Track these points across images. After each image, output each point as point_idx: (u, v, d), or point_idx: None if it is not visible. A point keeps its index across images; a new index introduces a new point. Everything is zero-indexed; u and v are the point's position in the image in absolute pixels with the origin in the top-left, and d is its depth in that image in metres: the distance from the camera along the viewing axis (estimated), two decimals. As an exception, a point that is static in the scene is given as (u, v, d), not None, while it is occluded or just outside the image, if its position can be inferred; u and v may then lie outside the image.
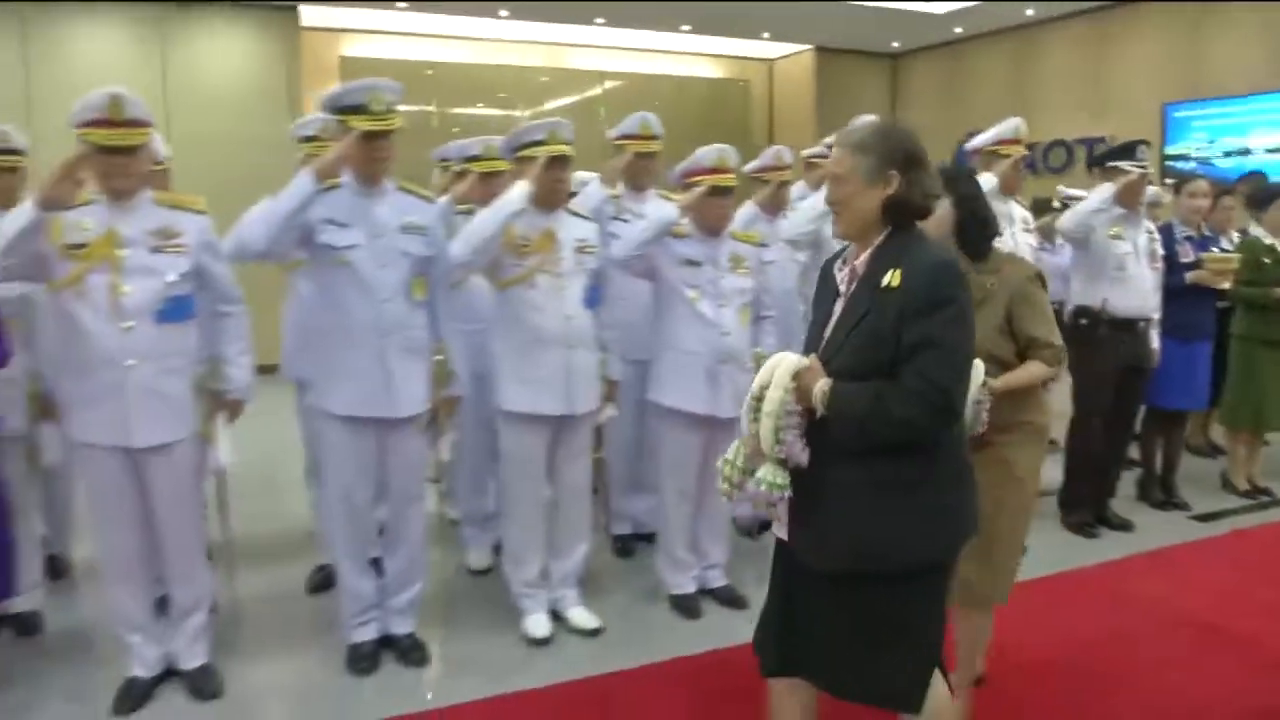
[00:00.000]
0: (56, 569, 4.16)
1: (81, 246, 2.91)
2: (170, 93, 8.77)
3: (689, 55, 11.32)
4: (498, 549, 4.31)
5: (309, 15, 9.33)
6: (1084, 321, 4.74)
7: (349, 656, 3.39)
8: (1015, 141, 4.46)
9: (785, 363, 2.08)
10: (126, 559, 3.11)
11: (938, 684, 2.19)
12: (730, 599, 3.85)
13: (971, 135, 4.68)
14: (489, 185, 3.98)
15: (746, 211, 4.59)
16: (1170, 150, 8.69)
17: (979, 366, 2.52)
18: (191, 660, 3.23)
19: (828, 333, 2.16)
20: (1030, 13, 9.42)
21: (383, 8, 9.33)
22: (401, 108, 3.22)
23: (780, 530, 2.21)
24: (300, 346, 3.79)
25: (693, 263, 3.69)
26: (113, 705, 3.09)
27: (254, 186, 3.39)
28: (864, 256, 2.12)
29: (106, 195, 2.95)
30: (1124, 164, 4.63)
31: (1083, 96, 9.43)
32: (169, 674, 3.23)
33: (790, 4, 9.01)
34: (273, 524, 4.77)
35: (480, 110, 10.62)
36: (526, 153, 3.46)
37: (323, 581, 4.06)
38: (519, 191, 3.34)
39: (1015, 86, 10.08)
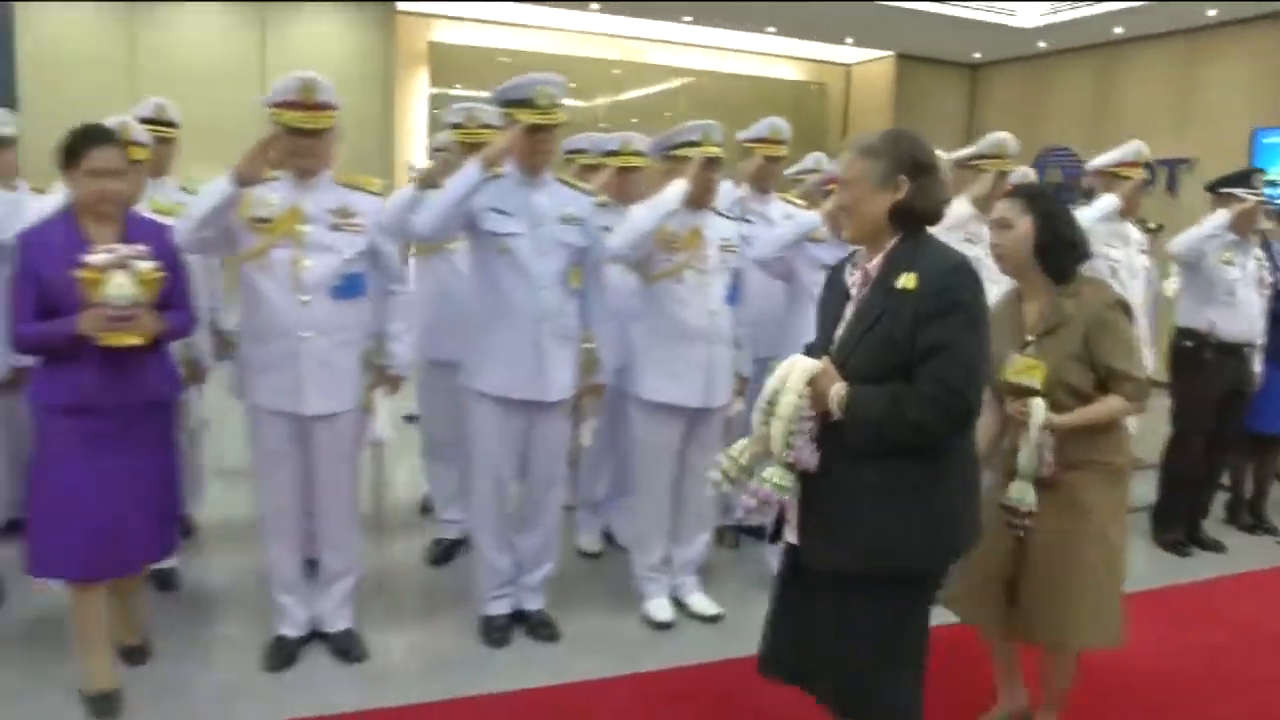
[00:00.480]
0: (184, 529, 4.31)
1: (267, 221, 3.04)
2: (269, 75, 8.95)
3: (766, 56, 11.40)
4: (608, 534, 4.43)
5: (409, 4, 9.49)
6: (1189, 344, 4.77)
7: (483, 628, 3.51)
8: (1136, 164, 4.50)
9: (800, 367, 2.09)
10: (286, 521, 3.24)
11: None
12: None
13: (1051, 150, 4.73)
14: (625, 180, 4.09)
15: None
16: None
17: (1039, 405, 2.52)
18: (337, 623, 3.36)
19: (838, 335, 2.17)
20: (1119, 30, 9.38)
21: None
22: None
23: (790, 534, 2.22)
24: (445, 328, 3.89)
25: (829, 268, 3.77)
26: (264, 661, 3.23)
27: (351, 168, 3.55)
28: (876, 260, 2.12)
29: (292, 173, 3.08)
30: (1239, 191, 4.67)
31: (1168, 117, 9.39)
32: (313, 635, 3.36)
33: (875, 9, 9.05)
34: (383, 497, 4.89)
35: (574, 101, 10.75)
36: (680, 153, 3.55)
37: (442, 554, 4.19)
38: (676, 191, 3.44)
39: (1097, 103, 10.04)
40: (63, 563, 2.86)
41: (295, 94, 2.96)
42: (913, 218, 2.11)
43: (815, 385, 2.08)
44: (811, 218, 3.75)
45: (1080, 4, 8.85)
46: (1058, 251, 2.63)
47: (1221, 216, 4.61)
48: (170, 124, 4.06)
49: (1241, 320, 4.71)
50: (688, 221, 3.56)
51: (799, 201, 4.42)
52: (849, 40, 10.71)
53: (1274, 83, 8.54)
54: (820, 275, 3.71)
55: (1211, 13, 8.56)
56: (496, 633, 3.48)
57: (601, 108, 10.91)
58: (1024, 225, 2.62)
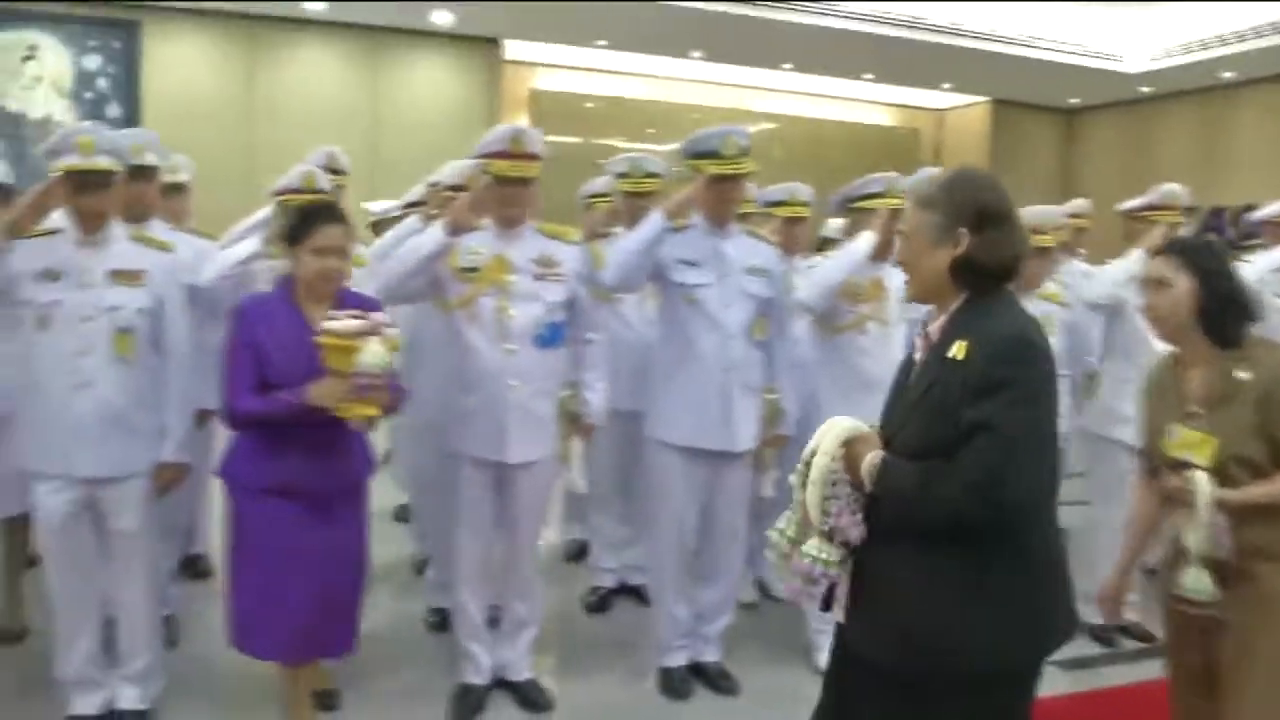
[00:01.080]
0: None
1: (474, 270, 3.08)
2: (380, 116, 9.20)
3: (857, 102, 11.45)
4: (761, 584, 4.39)
5: (511, 48, 9.68)
6: None
7: (662, 679, 3.48)
8: None
9: (836, 428, 1.92)
10: (479, 567, 3.25)
11: None
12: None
13: None
14: (791, 230, 4.10)
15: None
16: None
17: (1203, 479, 2.21)
18: (522, 672, 3.36)
19: (899, 403, 2.01)
20: (1228, 75, 9.28)
21: (583, 47, 9.64)
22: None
23: (838, 612, 2.00)
24: (611, 378, 3.86)
25: None
26: (451, 709, 3.23)
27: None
28: (938, 323, 1.94)
29: (497, 223, 3.13)
30: None
31: (1278, 162, 9.24)
32: (497, 684, 3.35)
33: (974, 55, 9.05)
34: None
35: (649, 145, 10.86)
36: (865, 204, 3.55)
37: (598, 603, 4.18)
38: (864, 243, 3.44)
39: (1204, 147, 9.91)
40: (271, 646, 2.80)
41: (506, 144, 3.02)
42: (978, 274, 1.89)
43: (850, 450, 1.90)
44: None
45: (1192, 51, 8.77)
46: (1222, 313, 2.30)
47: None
48: (341, 171, 4.15)
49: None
50: (869, 272, 3.55)
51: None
52: (946, 85, 10.71)
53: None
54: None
55: (1329, 57, 8.44)
56: (678, 684, 3.45)
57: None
58: (1183, 285, 2.31)
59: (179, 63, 8.86)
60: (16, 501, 3.30)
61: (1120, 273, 4.00)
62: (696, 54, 9.73)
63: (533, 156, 3.05)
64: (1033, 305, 3.69)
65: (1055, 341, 3.69)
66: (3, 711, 3.17)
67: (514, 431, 3.09)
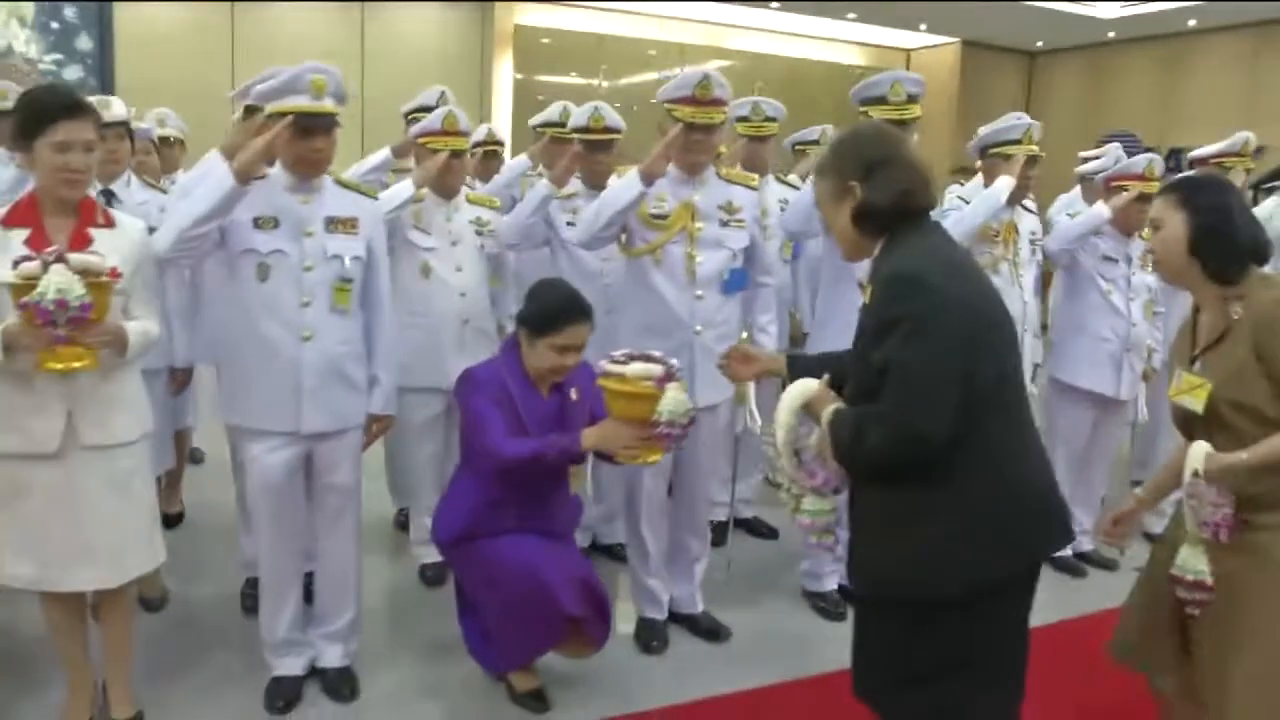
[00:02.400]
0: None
1: (663, 218, 3.13)
2: (368, 53, 8.93)
3: (833, 41, 11.60)
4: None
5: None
6: None
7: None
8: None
9: (795, 391, 2.05)
10: (660, 506, 3.36)
11: None
12: None
13: (1113, 134, 4.78)
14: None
15: None
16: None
17: (1197, 449, 2.10)
18: (696, 605, 3.52)
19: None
20: (1193, 23, 9.71)
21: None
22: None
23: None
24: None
25: (1109, 259, 3.97)
26: (640, 642, 3.35)
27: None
28: (863, 270, 2.08)
29: (684, 170, 3.17)
30: None
31: (1236, 108, 9.74)
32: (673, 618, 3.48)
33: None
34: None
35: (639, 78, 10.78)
36: (1002, 150, 3.70)
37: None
38: (1004, 187, 3.59)
39: (1162, 92, 10.39)
40: (546, 633, 2.82)
41: (693, 89, 3.05)
42: (880, 217, 1.98)
43: (811, 410, 2.02)
44: (1100, 211, 3.93)
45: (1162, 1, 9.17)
46: (1215, 249, 2.16)
47: None
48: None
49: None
50: (1003, 215, 3.72)
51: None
52: (922, 26, 10.92)
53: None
54: (1105, 266, 3.94)
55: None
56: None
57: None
58: (1176, 223, 2.20)
59: (153, 8, 8.39)
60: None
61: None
62: (688, -9, 9.70)
63: (718, 102, 3.10)
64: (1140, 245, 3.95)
65: None
66: (211, 677, 3.15)
67: (701, 376, 3.17)
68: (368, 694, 3.00)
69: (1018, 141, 3.68)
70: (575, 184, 3.82)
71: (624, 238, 3.22)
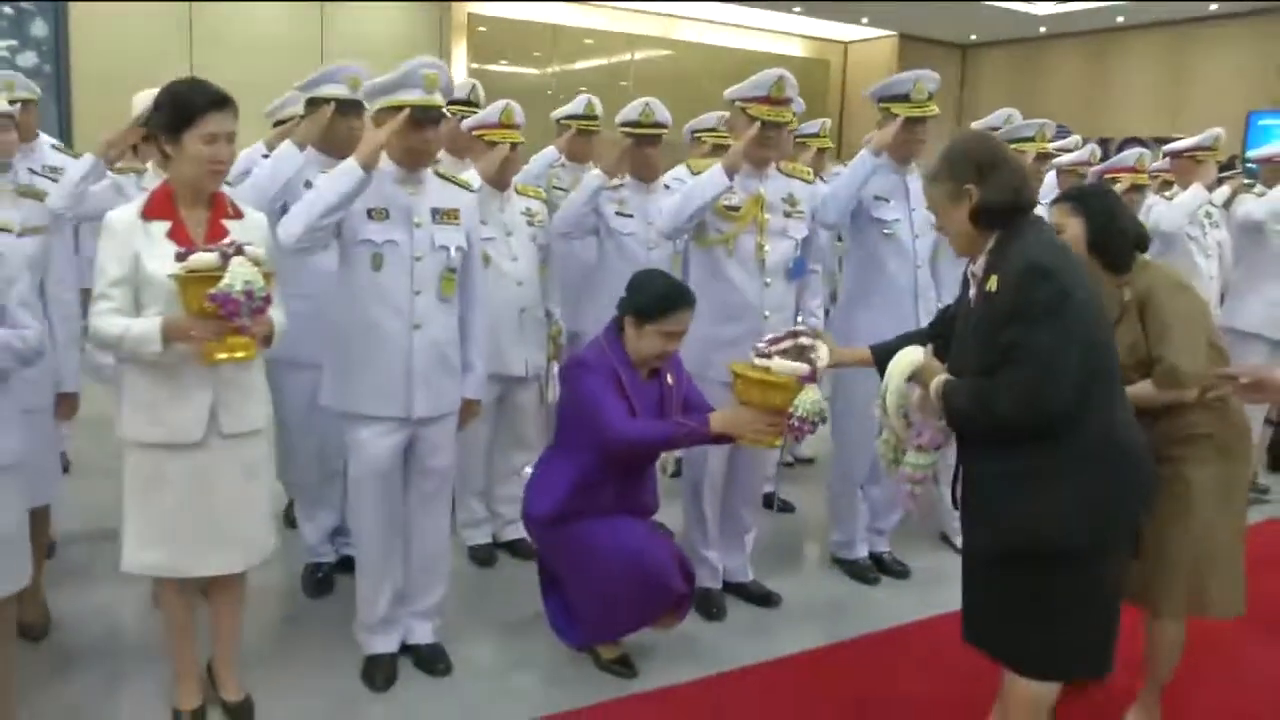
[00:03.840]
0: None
1: (735, 209, 3.32)
2: (328, 47, 8.86)
3: (776, 33, 11.92)
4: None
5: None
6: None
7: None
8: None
9: (902, 360, 2.32)
10: (720, 481, 3.56)
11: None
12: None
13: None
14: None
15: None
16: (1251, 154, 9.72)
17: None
18: (747, 574, 3.73)
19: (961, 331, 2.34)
20: (1120, 19, 10.30)
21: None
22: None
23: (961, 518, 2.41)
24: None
25: None
26: (701, 610, 3.54)
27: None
28: (979, 263, 2.28)
29: (753, 164, 3.36)
30: None
31: (1161, 99, 10.40)
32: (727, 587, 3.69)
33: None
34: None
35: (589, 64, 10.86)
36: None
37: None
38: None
39: (1089, 84, 10.99)
40: (655, 605, 3.00)
41: (769, 89, 3.26)
42: (996, 215, 2.22)
43: (920, 377, 2.30)
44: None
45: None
46: (1107, 246, 2.64)
47: None
48: (475, 104, 4.22)
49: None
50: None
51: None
52: (864, 20, 11.29)
53: (1265, 70, 9.62)
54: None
55: (1213, 6, 9.54)
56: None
57: (632, 87, 11.10)
58: (1074, 227, 2.65)
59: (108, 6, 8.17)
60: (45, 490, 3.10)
61: (1191, 204, 4.65)
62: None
63: (790, 101, 3.29)
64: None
65: None
66: (300, 660, 3.23)
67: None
68: (458, 668, 3.12)
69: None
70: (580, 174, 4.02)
71: (697, 229, 3.39)
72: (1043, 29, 11.06)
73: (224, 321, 2.31)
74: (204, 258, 2.27)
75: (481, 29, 10.06)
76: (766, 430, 2.73)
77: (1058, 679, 2.33)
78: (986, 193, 2.20)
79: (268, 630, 3.34)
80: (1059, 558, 2.19)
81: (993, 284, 2.18)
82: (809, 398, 2.62)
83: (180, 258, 2.30)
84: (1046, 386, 2.09)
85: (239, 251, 2.28)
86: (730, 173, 3.21)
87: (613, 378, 2.90)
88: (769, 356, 2.63)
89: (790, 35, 12.09)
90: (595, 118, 4.42)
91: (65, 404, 3.17)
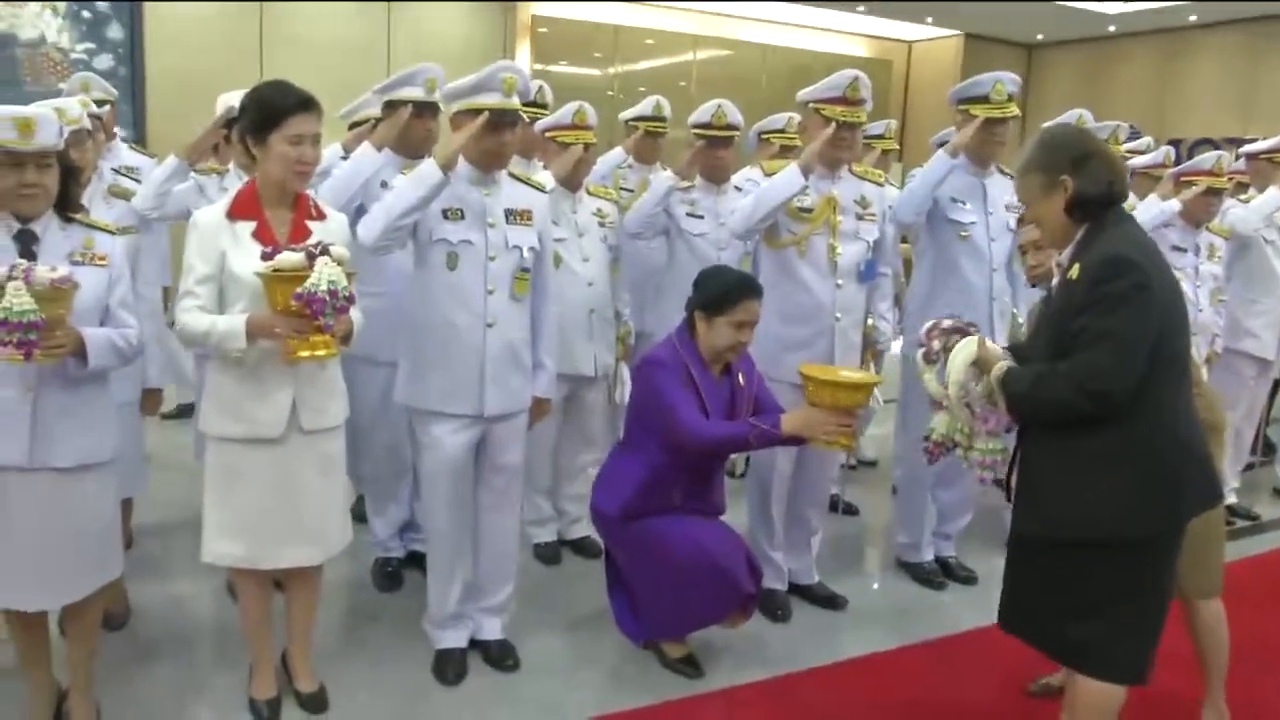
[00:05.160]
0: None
1: (809, 210, 3.31)
2: (394, 48, 8.99)
3: (837, 33, 11.83)
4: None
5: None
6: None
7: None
8: None
9: (963, 351, 2.34)
10: (787, 484, 3.55)
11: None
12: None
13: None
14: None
15: None
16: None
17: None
18: (812, 576, 3.71)
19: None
20: (1193, 18, 10.06)
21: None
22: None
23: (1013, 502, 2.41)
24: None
25: (1179, 249, 4.26)
26: (766, 610, 3.54)
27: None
28: (1067, 253, 2.29)
29: (826, 165, 3.34)
30: None
31: (1233, 100, 10.13)
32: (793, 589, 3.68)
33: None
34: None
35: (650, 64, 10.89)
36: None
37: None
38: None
39: (1159, 85, 10.75)
40: (722, 600, 3.01)
41: (844, 90, 3.24)
42: (1090, 205, 2.23)
43: (982, 365, 2.32)
44: (1170, 204, 4.18)
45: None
46: None
47: None
48: (543, 105, 4.26)
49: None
50: None
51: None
52: (929, 20, 11.16)
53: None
54: (1173, 255, 4.19)
55: (1289, 1, 9.28)
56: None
57: (696, 88, 11.10)
58: None
59: (182, 9, 8.34)
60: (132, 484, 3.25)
61: (1268, 207, 4.53)
62: (704, -17, 9.85)
63: (864, 102, 3.28)
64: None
65: None
66: (370, 653, 3.29)
67: (840, 359, 3.37)
68: (526, 664, 3.15)
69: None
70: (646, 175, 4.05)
71: (769, 230, 3.38)
72: (1112, 28, 10.82)
73: (308, 320, 2.35)
74: (290, 257, 2.32)
75: (543, 30, 10.12)
76: (837, 431, 2.74)
77: (1110, 677, 2.29)
78: (1081, 184, 2.22)
79: (338, 623, 3.40)
80: (1113, 547, 2.19)
81: (1075, 272, 2.20)
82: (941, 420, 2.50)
83: (266, 257, 2.35)
84: (1108, 370, 2.10)
85: (324, 252, 2.33)
86: (805, 173, 3.20)
87: (686, 376, 2.91)
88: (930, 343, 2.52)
89: (853, 35, 11.97)
90: (663, 119, 4.43)
91: (150, 399, 3.26)
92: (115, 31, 8.15)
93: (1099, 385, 2.10)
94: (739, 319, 2.91)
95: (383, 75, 8.60)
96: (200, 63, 8.26)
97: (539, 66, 10.14)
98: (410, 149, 3.41)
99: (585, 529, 4.00)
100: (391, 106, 3.40)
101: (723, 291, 2.91)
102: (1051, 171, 2.25)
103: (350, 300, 2.38)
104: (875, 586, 3.93)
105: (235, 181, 3.33)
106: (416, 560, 3.78)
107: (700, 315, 2.96)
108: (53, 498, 2.42)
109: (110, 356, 2.43)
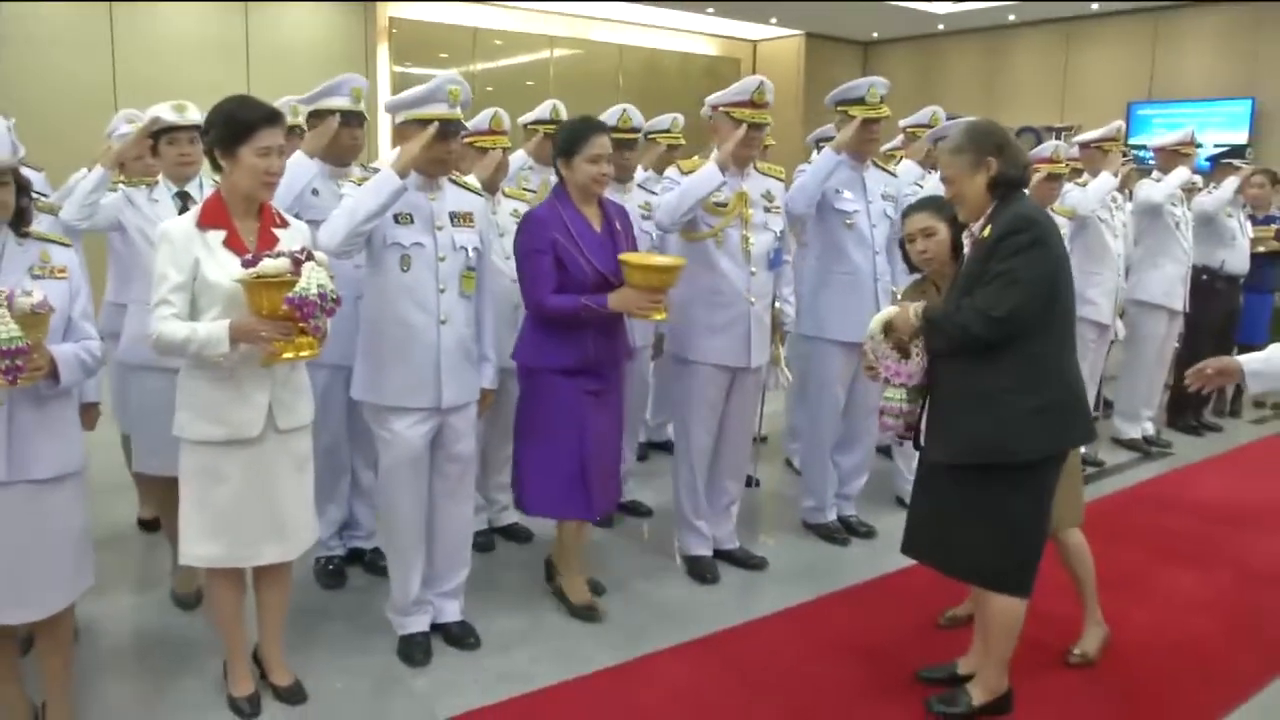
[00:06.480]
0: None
1: (724, 205, 3.61)
2: (252, 47, 8.81)
3: (688, 33, 12.27)
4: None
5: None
6: (1204, 277, 6.10)
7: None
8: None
9: (879, 315, 2.86)
10: (706, 457, 3.85)
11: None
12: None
13: (951, 116, 5.64)
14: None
15: None
16: (1133, 141, 10.52)
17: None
18: (734, 541, 4.04)
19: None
20: (1012, 18, 10.99)
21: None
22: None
23: (922, 437, 2.84)
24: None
25: None
26: (692, 574, 3.84)
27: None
28: (978, 224, 2.71)
29: (737, 163, 3.63)
30: (1238, 162, 6.07)
31: (1050, 92, 11.13)
32: (717, 554, 3.99)
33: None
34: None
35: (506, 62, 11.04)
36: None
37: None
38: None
39: (984, 78, 11.69)
40: (551, 505, 3.42)
41: (751, 94, 3.55)
42: (1007, 185, 2.66)
43: (893, 326, 2.78)
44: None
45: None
46: (961, 246, 3.01)
47: (1232, 183, 5.97)
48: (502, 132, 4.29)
49: (1240, 258, 6.13)
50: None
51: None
52: (773, 20, 11.72)
53: (1143, 65, 10.42)
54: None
55: (1095, 6, 10.28)
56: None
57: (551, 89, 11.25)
58: (944, 230, 3.05)
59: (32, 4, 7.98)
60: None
61: (1103, 190, 5.12)
62: (560, -15, 10.07)
63: (768, 105, 3.60)
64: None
65: None
66: (332, 645, 3.39)
67: (755, 342, 3.69)
68: (485, 642, 3.33)
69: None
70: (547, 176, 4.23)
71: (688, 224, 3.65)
72: (941, 26, 11.68)
73: (292, 323, 2.48)
74: (274, 263, 2.44)
75: (398, 31, 10.13)
76: (650, 306, 3.19)
77: (1002, 588, 2.71)
78: (1003, 165, 2.64)
79: (293, 622, 3.46)
80: (1007, 468, 2.61)
81: (986, 232, 2.63)
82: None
83: (249, 264, 2.46)
84: (1000, 301, 2.53)
85: (309, 257, 2.46)
86: (722, 170, 3.49)
87: (560, 230, 3.24)
88: None
89: (702, 35, 12.46)
90: (560, 121, 4.62)
91: (88, 414, 3.25)
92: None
93: (998, 313, 2.51)
94: (593, 154, 3.24)
95: (242, 76, 8.61)
96: (50, 70, 7.94)
97: (398, 69, 10.14)
98: (337, 157, 3.53)
99: (513, 515, 4.19)
100: (318, 116, 3.50)
101: (573, 133, 3.27)
102: (979, 153, 2.65)
103: (338, 302, 2.52)
104: (787, 547, 4.27)
105: (164, 192, 3.36)
106: (357, 557, 3.89)
107: (562, 162, 3.30)
108: (29, 510, 2.46)
109: (78, 372, 2.50)
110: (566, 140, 3.28)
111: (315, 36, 9.23)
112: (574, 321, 3.26)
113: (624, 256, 3.22)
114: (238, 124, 2.59)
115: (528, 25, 11.10)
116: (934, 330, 2.69)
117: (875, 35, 12.53)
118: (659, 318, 3.29)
